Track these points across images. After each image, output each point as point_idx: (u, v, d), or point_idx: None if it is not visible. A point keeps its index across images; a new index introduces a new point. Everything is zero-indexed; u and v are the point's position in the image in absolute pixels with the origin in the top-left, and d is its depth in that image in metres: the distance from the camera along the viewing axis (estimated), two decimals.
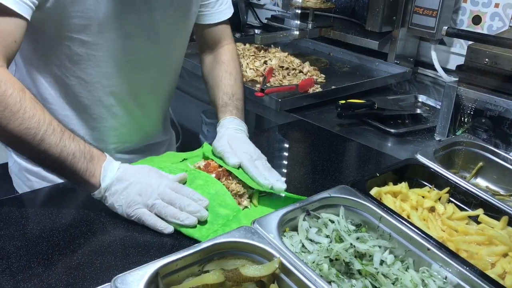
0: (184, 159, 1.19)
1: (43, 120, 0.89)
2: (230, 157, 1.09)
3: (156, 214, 0.93)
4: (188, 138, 2.28)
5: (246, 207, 1.04)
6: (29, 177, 1.23)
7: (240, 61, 1.38)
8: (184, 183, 1.05)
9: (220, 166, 1.12)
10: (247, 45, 2.10)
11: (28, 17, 0.93)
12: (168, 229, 0.92)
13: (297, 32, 2.13)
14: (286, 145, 1.41)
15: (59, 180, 1.18)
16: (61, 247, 0.87)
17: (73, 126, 1.14)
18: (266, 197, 1.08)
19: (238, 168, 1.09)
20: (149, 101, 1.26)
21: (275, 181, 1.05)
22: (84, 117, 1.17)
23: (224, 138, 1.15)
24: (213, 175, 1.09)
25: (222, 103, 1.26)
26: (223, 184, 1.06)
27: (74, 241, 0.89)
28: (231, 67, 1.32)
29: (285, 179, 1.11)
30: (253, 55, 1.97)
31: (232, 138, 1.15)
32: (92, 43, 1.06)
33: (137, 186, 0.94)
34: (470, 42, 1.43)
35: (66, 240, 0.89)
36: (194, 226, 0.94)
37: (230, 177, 1.09)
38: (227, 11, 1.33)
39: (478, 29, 1.88)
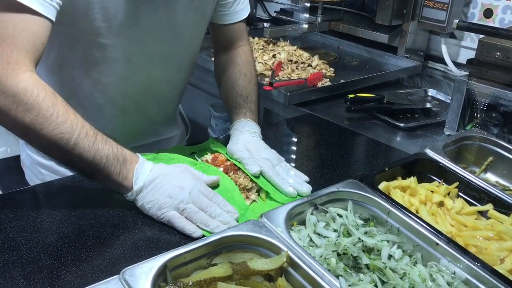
0: (193, 153, 1.19)
1: (75, 124, 0.88)
2: (250, 165, 1.08)
3: (186, 217, 0.92)
4: (197, 132, 2.28)
5: (254, 201, 1.04)
6: (41, 171, 1.24)
7: (255, 63, 1.36)
8: (217, 186, 1.04)
9: (228, 160, 1.12)
10: (256, 38, 2.10)
11: (53, 18, 0.91)
12: (197, 233, 0.90)
13: (306, 26, 2.12)
14: (295, 139, 1.41)
15: (70, 173, 1.19)
16: (71, 239, 0.88)
17: None
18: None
19: (258, 177, 1.07)
20: (162, 100, 1.25)
21: (300, 185, 1.04)
22: (95, 117, 1.14)
23: (241, 143, 1.13)
24: (221, 169, 1.09)
25: (236, 104, 1.24)
26: (231, 179, 1.06)
27: (83, 233, 0.90)
28: (246, 69, 1.30)
29: (308, 178, 1.10)
30: (261, 49, 1.97)
31: (249, 143, 1.13)
32: (110, 45, 1.06)
33: (169, 188, 0.93)
34: (481, 36, 1.41)
35: (75, 233, 0.90)
36: None
37: (238, 172, 1.09)
38: (244, 11, 1.31)
39: (489, 23, 1.86)
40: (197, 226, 0.91)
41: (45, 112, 0.85)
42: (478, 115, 1.37)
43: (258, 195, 1.06)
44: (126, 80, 1.13)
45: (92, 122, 1.07)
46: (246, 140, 1.15)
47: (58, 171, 1.19)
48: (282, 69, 1.80)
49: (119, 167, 0.93)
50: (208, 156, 1.14)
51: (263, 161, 1.09)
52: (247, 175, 1.07)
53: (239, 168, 1.09)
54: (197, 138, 1.31)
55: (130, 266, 0.72)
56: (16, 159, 1.37)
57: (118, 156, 0.93)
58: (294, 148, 1.35)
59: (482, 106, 1.34)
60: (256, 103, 1.28)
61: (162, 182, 0.94)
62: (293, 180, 1.06)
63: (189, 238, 0.90)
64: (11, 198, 0.99)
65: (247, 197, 1.04)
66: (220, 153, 1.15)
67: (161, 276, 0.73)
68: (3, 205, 0.96)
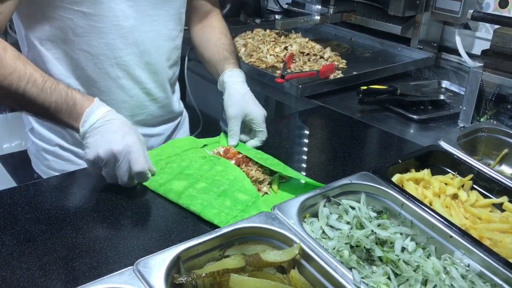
0: (205, 145, 1.19)
1: (23, 74, 0.96)
2: (232, 139, 1.18)
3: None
4: (208, 125, 2.29)
5: (266, 193, 1.04)
6: (46, 156, 1.27)
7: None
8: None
9: (239, 153, 1.12)
10: (268, 30, 2.09)
11: None
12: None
13: (318, 17, 2.11)
14: (307, 132, 1.41)
15: (74, 158, 1.23)
16: (85, 231, 0.89)
17: None
18: (286, 183, 1.08)
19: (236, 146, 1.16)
20: (157, 68, 1.26)
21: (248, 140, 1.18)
22: (93, 90, 1.19)
23: (237, 105, 1.20)
24: (233, 161, 1.09)
25: (223, 57, 1.31)
26: (243, 171, 1.06)
27: (97, 225, 0.91)
28: (225, 30, 1.38)
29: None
30: (273, 41, 1.96)
31: (244, 98, 1.21)
32: (93, 14, 1.09)
33: (109, 140, 0.97)
34: (496, 26, 1.40)
35: (89, 225, 0.91)
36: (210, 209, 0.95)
37: (250, 164, 1.10)
38: None
39: (504, 13, 1.83)
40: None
41: None
42: (493, 107, 1.36)
43: (270, 187, 1.06)
44: (115, 51, 1.15)
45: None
46: (240, 93, 1.21)
47: (61, 156, 1.24)
48: (294, 61, 1.79)
49: (69, 110, 0.99)
50: (220, 149, 1.15)
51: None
52: (259, 167, 1.08)
53: (250, 160, 1.10)
54: (209, 131, 1.31)
55: (144, 258, 0.73)
56: (25, 152, 1.39)
57: (68, 101, 0.98)
58: (306, 140, 1.34)
59: (497, 97, 1.33)
60: (238, 58, 1.37)
61: (108, 129, 0.98)
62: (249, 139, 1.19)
63: (202, 230, 0.90)
64: (26, 190, 1.00)
65: (259, 189, 1.04)
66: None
67: (174, 267, 0.73)
68: (19, 197, 0.98)
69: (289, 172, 1.07)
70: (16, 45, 1.10)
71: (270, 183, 1.07)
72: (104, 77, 1.17)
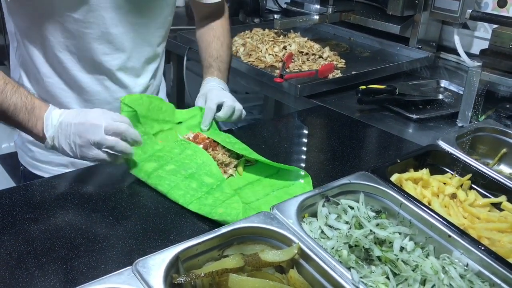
0: (180, 122, 1.23)
1: None
2: (203, 124, 1.21)
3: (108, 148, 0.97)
4: None
5: (231, 175, 1.10)
6: (31, 148, 1.28)
7: (230, 30, 1.47)
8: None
9: (208, 138, 1.17)
10: (266, 30, 2.09)
11: None
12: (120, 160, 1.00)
13: (317, 17, 2.11)
14: (306, 131, 1.41)
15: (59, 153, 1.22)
16: (84, 231, 0.89)
17: (68, 99, 1.20)
18: (251, 166, 1.13)
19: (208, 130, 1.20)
20: (141, 72, 1.28)
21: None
22: (79, 91, 1.20)
23: (201, 93, 1.28)
24: (201, 145, 1.14)
25: (206, 64, 1.37)
26: (210, 155, 1.11)
27: (96, 225, 0.91)
28: (220, 33, 1.41)
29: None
30: (272, 41, 1.96)
31: (210, 91, 1.26)
32: (83, 20, 1.10)
33: (80, 127, 0.97)
34: (494, 26, 1.39)
35: (88, 224, 0.91)
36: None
37: (218, 148, 1.15)
38: None
39: (503, 12, 1.84)
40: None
41: None
42: (491, 106, 1.36)
43: (236, 170, 1.11)
44: (102, 56, 1.17)
45: (76, 96, 1.19)
46: (209, 88, 1.28)
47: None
48: (292, 61, 1.79)
49: (27, 115, 0.98)
50: (190, 134, 1.19)
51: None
52: (226, 151, 1.14)
53: (218, 144, 1.16)
54: None
55: (143, 258, 0.73)
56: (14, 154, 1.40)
57: (26, 104, 0.98)
58: (305, 140, 1.34)
59: (496, 97, 1.33)
60: (226, 63, 1.40)
61: (72, 122, 0.97)
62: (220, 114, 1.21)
63: (201, 230, 0.90)
64: (25, 190, 1.00)
65: (225, 172, 1.09)
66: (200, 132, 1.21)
67: (173, 267, 0.73)
68: (18, 197, 0.98)
69: (254, 155, 1.11)
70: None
71: (236, 166, 1.12)
72: (90, 78, 1.20)
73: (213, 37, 1.40)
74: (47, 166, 1.27)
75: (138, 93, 1.28)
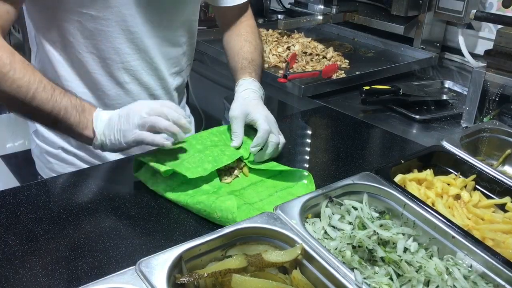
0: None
1: (33, 80, 0.94)
2: (234, 141, 1.14)
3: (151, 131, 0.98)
4: (211, 125, 2.28)
5: (236, 176, 1.09)
6: (49, 159, 1.26)
7: (260, 35, 1.39)
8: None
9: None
10: (270, 30, 2.09)
11: None
12: (168, 142, 0.98)
13: (320, 17, 2.11)
14: (309, 132, 1.41)
15: (77, 162, 1.21)
16: (87, 230, 0.89)
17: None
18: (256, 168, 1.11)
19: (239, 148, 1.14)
20: (166, 78, 1.26)
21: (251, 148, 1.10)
22: (100, 95, 1.18)
23: (239, 101, 1.18)
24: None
25: (241, 66, 1.27)
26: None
27: (99, 225, 0.91)
28: (250, 37, 1.33)
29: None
30: (276, 41, 1.96)
31: (249, 105, 1.16)
32: (102, 18, 1.08)
33: (124, 115, 0.99)
34: (499, 26, 1.39)
35: (91, 224, 0.91)
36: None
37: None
38: None
39: (508, 13, 1.83)
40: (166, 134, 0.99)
41: (2, 69, 0.92)
42: (496, 107, 1.35)
43: (241, 171, 1.10)
44: (122, 56, 1.15)
45: (97, 101, 1.16)
46: (243, 97, 1.18)
47: (65, 159, 1.23)
48: (296, 61, 1.79)
49: (78, 117, 0.98)
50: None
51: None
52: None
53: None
54: None
55: (146, 258, 0.73)
56: (28, 152, 1.39)
57: (76, 107, 0.99)
58: (308, 140, 1.34)
59: (500, 97, 1.32)
60: (261, 68, 1.31)
61: (118, 113, 1.00)
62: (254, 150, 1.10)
63: (204, 230, 0.90)
64: (29, 190, 1.01)
65: (230, 174, 1.08)
66: None
67: (176, 267, 0.73)
68: (21, 197, 0.98)
69: (258, 166, 1.10)
70: (18, 46, 1.11)
71: (241, 167, 1.11)
72: (111, 81, 1.17)
73: (244, 41, 1.32)
74: None
75: (160, 97, 1.26)
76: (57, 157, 1.25)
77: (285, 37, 2.02)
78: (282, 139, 1.15)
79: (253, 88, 1.21)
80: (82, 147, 1.20)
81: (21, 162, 3.18)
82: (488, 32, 1.89)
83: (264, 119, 1.12)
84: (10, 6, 0.98)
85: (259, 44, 1.35)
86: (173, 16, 1.19)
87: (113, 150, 1.02)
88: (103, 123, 1.00)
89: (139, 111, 0.98)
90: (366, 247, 0.82)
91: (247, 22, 1.37)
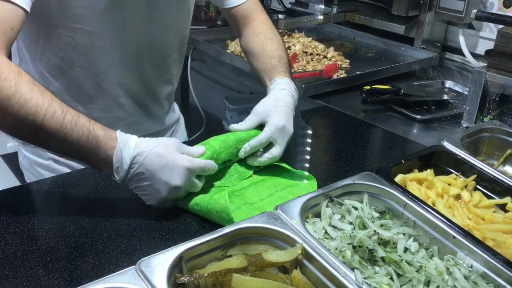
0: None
1: (41, 104, 0.82)
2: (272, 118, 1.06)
3: None
4: (211, 124, 2.29)
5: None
6: (39, 171, 1.23)
7: (274, 27, 1.32)
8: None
9: None
10: None
11: (27, 8, 0.89)
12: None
13: (321, 17, 2.11)
14: (310, 131, 1.40)
15: (69, 172, 1.20)
16: (87, 230, 0.89)
17: None
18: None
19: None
20: (156, 88, 1.25)
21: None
22: (91, 107, 1.15)
23: (269, 99, 1.10)
24: None
25: (272, 66, 1.19)
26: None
27: (99, 224, 0.91)
28: (270, 34, 1.26)
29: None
30: None
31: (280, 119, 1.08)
32: (96, 32, 1.06)
33: (161, 184, 0.89)
34: (500, 26, 1.39)
35: (92, 224, 0.91)
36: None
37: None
38: None
39: (509, 13, 1.82)
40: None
41: (7, 91, 0.80)
42: (496, 107, 1.35)
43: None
44: (116, 69, 1.13)
45: (89, 114, 0.98)
46: (275, 99, 1.10)
47: (56, 170, 1.20)
48: (297, 61, 1.79)
49: (94, 153, 0.86)
50: None
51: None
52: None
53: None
54: (212, 131, 1.32)
55: (146, 257, 0.73)
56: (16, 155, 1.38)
57: (90, 140, 0.85)
58: (309, 140, 1.34)
59: (501, 97, 1.32)
60: (290, 65, 1.23)
61: (152, 176, 0.88)
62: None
63: (205, 230, 0.90)
64: (30, 189, 1.01)
65: None
66: None
67: (176, 267, 0.73)
68: (22, 196, 0.98)
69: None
70: None
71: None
72: (103, 94, 1.15)
73: (264, 39, 1.24)
74: None
75: (150, 106, 1.24)
76: (48, 168, 1.21)
77: (286, 36, 2.02)
78: (276, 153, 1.08)
79: (289, 91, 1.13)
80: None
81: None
82: (489, 32, 1.89)
83: (274, 127, 1.06)
84: (16, 7, 0.88)
85: (280, 39, 1.28)
86: (169, 28, 1.18)
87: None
88: (124, 170, 0.88)
89: (177, 189, 0.90)
90: (367, 247, 0.82)
91: (259, 18, 1.30)
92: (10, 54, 1.10)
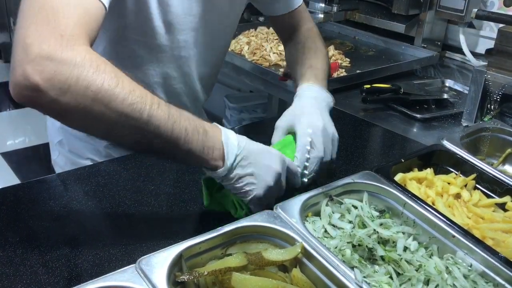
0: None
1: (145, 94, 0.75)
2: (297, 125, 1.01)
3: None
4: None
5: None
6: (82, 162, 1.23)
7: (321, 37, 1.29)
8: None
9: None
10: (271, 28, 2.08)
11: (107, 5, 0.81)
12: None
13: (321, 15, 2.10)
14: None
15: None
16: (87, 228, 0.89)
17: None
18: None
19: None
20: (198, 95, 1.27)
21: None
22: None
23: (290, 108, 1.06)
24: None
25: (299, 76, 1.16)
26: None
27: (100, 222, 0.91)
28: (309, 42, 1.24)
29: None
30: (277, 39, 1.95)
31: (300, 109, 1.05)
32: (157, 44, 1.07)
33: (262, 168, 0.85)
34: (500, 25, 1.39)
35: (92, 222, 0.91)
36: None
37: None
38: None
39: (509, 12, 1.82)
40: None
41: (110, 82, 0.72)
42: (497, 106, 1.35)
43: None
44: (169, 79, 1.15)
45: None
46: (303, 105, 1.05)
47: None
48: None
49: (201, 140, 0.80)
50: None
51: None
52: None
53: None
54: None
55: (146, 256, 0.73)
56: (35, 149, 1.38)
57: (197, 128, 0.80)
58: None
59: (501, 97, 1.32)
60: (324, 71, 1.18)
61: (255, 162, 0.85)
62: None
63: (204, 228, 0.90)
64: (30, 187, 1.01)
65: None
66: None
67: (176, 265, 0.73)
68: (22, 194, 0.98)
69: None
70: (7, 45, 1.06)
71: None
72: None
73: (302, 48, 1.23)
74: None
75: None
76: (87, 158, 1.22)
77: None
78: (328, 154, 0.99)
79: (317, 95, 1.09)
80: (110, 157, 1.17)
81: (22, 159, 3.19)
82: (489, 31, 1.89)
83: (305, 132, 0.98)
84: (99, 2, 0.80)
85: (320, 48, 1.24)
86: (221, 39, 1.20)
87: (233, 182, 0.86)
88: (233, 155, 0.83)
89: (276, 173, 0.87)
90: (366, 246, 0.83)
91: (305, 26, 1.30)
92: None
